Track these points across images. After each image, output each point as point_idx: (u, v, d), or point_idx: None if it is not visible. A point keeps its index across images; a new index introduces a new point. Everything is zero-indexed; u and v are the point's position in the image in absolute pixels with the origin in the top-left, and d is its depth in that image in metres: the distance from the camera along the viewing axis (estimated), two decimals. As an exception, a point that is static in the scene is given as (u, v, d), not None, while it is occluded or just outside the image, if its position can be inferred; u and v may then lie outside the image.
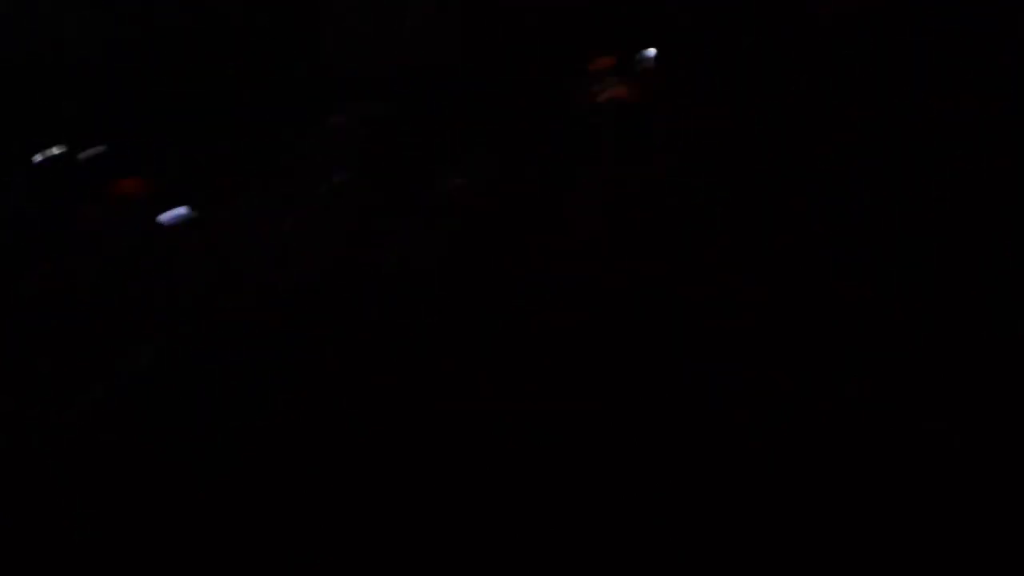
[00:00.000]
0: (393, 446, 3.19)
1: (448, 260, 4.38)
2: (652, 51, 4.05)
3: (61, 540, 2.68)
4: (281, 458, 3.24)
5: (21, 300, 3.96)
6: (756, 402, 3.18)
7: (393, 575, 2.54)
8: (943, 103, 3.61)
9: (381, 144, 4.34)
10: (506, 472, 2.92)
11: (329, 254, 4.41)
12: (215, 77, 4.12)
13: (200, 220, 4.16)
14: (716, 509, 2.62)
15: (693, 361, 3.50)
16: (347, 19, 4.17)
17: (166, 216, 3.98)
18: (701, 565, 2.41)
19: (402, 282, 4.36)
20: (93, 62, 4.00)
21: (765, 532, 2.48)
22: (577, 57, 4.18)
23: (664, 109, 3.99)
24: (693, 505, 2.65)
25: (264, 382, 3.67)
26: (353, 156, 4.34)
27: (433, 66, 4.19)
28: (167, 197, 4.20)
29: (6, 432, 3.19)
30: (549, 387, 3.46)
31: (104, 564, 2.63)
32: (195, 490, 2.95)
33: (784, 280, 3.81)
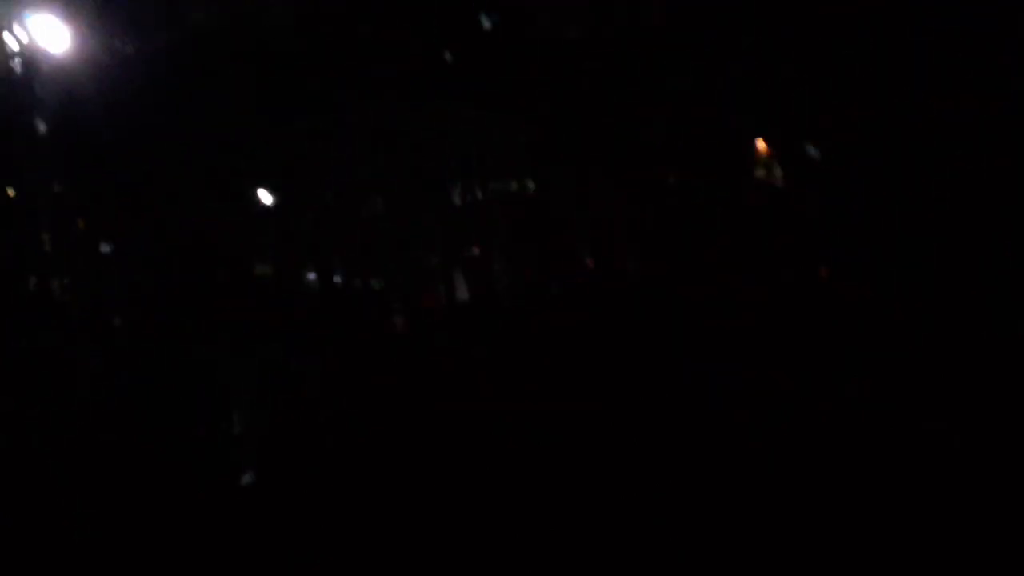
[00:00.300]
0: (393, 446, 3.19)
1: (448, 260, 4.39)
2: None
3: (61, 539, 2.68)
4: (282, 457, 3.24)
5: (22, 302, 3.96)
6: (756, 402, 3.19)
7: (393, 573, 2.54)
8: (943, 103, 3.61)
9: (389, 148, 4.35)
10: (506, 471, 2.92)
11: (332, 255, 4.41)
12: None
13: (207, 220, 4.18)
14: (716, 508, 2.62)
15: (693, 361, 3.50)
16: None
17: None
18: (701, 563, 2.41)
19: (403, 283, 4.37)
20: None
21: (765, 530, 2.48)
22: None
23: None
24: (693, 504, 2.65)
25: (265, 382, 3.67)
26: (357, 157, 4.35)
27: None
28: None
29: (6, 432, 3.19)
30: (549, 387, 3.47)
31: (104, 563, 2.63)
32: (195, 489, 2.95)
33: (784, 280, 3.81)
